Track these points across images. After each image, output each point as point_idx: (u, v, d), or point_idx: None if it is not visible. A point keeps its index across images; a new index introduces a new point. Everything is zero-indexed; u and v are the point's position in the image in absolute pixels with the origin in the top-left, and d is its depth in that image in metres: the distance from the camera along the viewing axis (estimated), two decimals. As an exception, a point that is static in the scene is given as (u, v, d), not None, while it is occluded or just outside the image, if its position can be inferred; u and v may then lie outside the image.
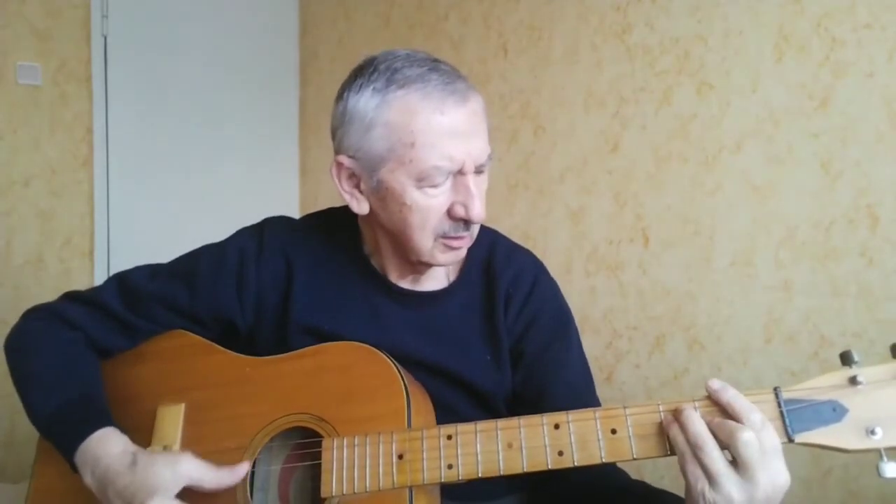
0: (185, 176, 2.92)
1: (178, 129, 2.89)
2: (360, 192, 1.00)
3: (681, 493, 0.83)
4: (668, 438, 0.78)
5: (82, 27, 2.64)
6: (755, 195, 1.83)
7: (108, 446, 0.93)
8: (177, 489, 0.89)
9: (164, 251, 1.15)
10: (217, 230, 1.15)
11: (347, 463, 0.88)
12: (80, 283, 2.58)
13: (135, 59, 2.75)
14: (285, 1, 3.24)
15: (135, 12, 2.75)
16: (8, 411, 2.39)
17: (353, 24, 3.03)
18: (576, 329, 1.14)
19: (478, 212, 0.95)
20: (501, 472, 0.83)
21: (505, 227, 2.07)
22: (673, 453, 0.79)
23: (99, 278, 2.58)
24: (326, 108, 1.02)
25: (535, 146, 2.35)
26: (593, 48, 2.19)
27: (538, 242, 2.32)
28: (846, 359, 0.76)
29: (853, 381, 0.74)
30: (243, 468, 0.93)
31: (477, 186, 0.96)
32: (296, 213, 1.20)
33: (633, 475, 1.03)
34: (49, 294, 1.13)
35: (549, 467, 0.82)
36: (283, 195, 3.23)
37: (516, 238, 1.19)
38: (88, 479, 0.93)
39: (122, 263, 1.15)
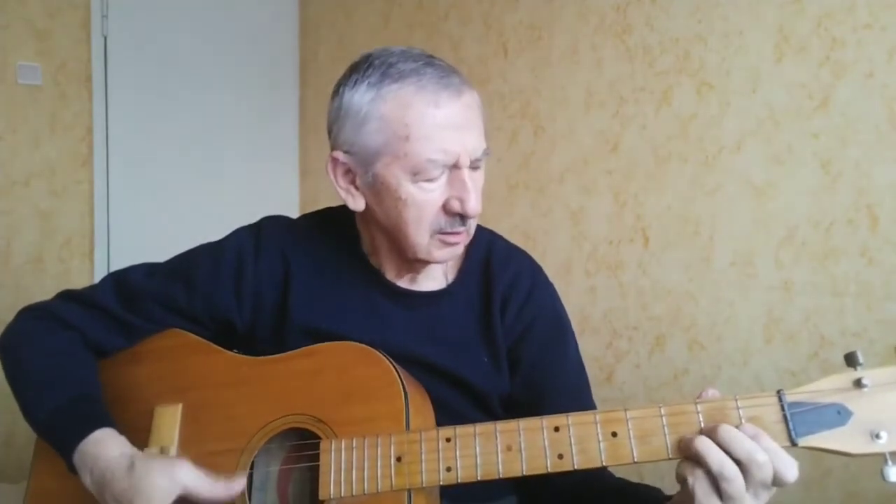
0: (185, 176, 2.92)
1: (178, 129, 2.89)
2: (356, 188, 1.00)
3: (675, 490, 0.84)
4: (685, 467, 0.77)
5: (82, 27, 2.64)
6: (755, 195, 1.82)
7: (106, 448, 0.93)
8: (172, 498, 0.88)
9: (164, 251, 1.14)
10: (217, 230, 1.14)
11: (346, 465, 0.88)
12: (80, 283, 2.57)
13: (135, 59, 2.75)
14: (285, 1, 3.23)
15: (135, 12, 2.75)
16: (8, 411, 2.39)
17: (353, 24, 3.03)
18: (572, 332, 1.14)
19: (473, 206, 0.95)
20: (500, 475, 0.82)
21: (505, 227, 2.07)
22: (675, 457, 0.78)
23: (99, 278, 2.58)
24: (326, 109, 1.02)
25: (535, 146, 2.35)
26: (593, 48, 2.19)
27: (538, 242, 2.32)
28: (851, 360, 0.74)
29: (858, 383, 0.73)
30: (239, 484, 0.91)
31: (472, 181, 0.96)
32: (296, 213, 1.20)
33: (633, 477, 1.02)
34: (49, 294, 1.12)
35: (549, 470, 0.81)
36: (283, 195, 3.23)
37: (516, 238, 1.19)
38: (87, 480, 0.93)
39: (122, 263, 1.14)
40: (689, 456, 0.76)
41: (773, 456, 0.73)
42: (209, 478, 0.90)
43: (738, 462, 0.73)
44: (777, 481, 0.74)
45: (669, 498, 0.87)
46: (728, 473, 0.73)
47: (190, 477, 0.89)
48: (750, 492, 0.73)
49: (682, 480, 0.77)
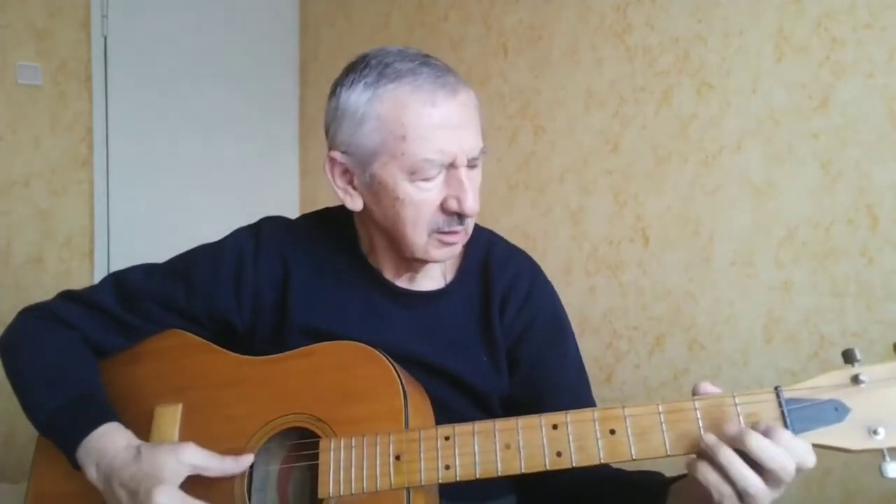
0: (185, 176, 2.92)
1: (178, 129, 2.89)
2: (354, 188, 1.00)
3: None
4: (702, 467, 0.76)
5: (82, 27, 2.64)
6: (755, 195, 1.82)
7: (113, 440, 0.94)
8: (181, 478, 0.89)
9: (164, 251, 1.15)
10: (217, 230, 1.14)
11: (345, 464, 0.88)
12: (80, 283, 2.57)
13: (135, 59, 2.75)
14: (285, 1, 3.24)
15: (135, 12, 2.75)
16: (8, 411, 2.39)
17: (353, 24, 3.03)
18: (572, 332, 1.14)
19: (470, 205, 0.95)
20: (499, 473, 0.83)
21: (505, 227, 2.07)
22: (674, 454, 0.78)
23: (99, 278, 2.58)
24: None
25: (535, 146, 2.35)
26: (593, 48, 2.19)
27: (538, 242, 2.32)
28: (848, 357, 0.75)
29: (856, 380, 0.73)
30: (248, 458, 0.93)
31: (470, 180, 0.96)
32: (296, 213, 1.20)
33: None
34: (49, 294, 1.12)
35: (548, 468, 0.81)
36: (283, 195, 3.23)
37: (516, 238, 1.19)
38: (92, 474, 0.93)
39: (122, 263, 1.15)
40: (706, 458, 0.75)
41: (793, 451, 0.72)
42: (216, 456, 0.91)
43: (767, 470, 0.72)
44: (798, 472, 0.73)
45: (671, 480, 0.87)
46: (752, 490, 0.72)
47: (197, 456, 0.90)
48: (771, 488, 0.73)
49: (700, 485, 0.75)
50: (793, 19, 1.75)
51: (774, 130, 1.79)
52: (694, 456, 0.77)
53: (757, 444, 0.72)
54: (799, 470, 0.73)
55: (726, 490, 0.73)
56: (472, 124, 0.96)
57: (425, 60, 0.95)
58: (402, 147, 0.92)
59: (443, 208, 0.96)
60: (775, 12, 1.79)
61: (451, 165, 0.94)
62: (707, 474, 0.75)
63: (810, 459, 0.73)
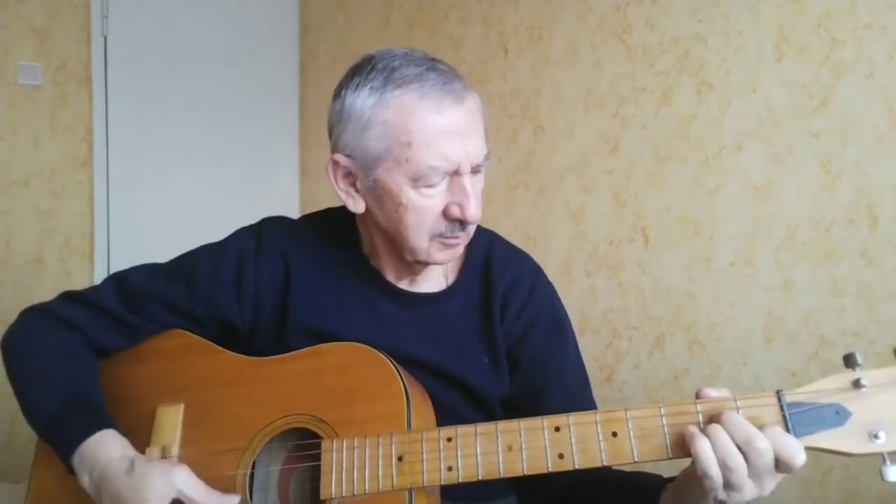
0: (185, 176, 2.92)
1: (178, 129, 2.89)
2: (356, 190, 1.00)
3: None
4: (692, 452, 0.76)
5: (82, 27, 2.63)
6: (755, 195, 1.83)
7: (107, 449, 0.93)
8: (167, 501, 0.89)
9: (164, 251, 1.15)
10: (217, 230, 1.14)
11: (347, 465, 0.88)
12: (80, 283, 2.58)
13: (135, 59, 2.75)
14: (285, 1, 3.23)
15: (135, 12, 2.74)
16: (8, 411, 2.39)
17: (353, 24, 3.03)
18: (572, 333, 1.14)
19: (473, 212, 0.95)
20: (501, 475, 0.83)
21: (505, 227, 2.07)
22: (675, 456, 0.78)
23: (99, 278, 2.57)
24: (326, 109, 1.02)
25: (535, 146, 2.35)
26: (593, 48, 2.19)
27: (538, 242, 2.32)
28: (849, 361, 0.75)
29: (857, 384, 0.74)
30: (234, 499, 0.92)
31: (473, 187, 0.96)
32: (296, 213, 1.20)
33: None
34: (49, 294, 1.12)
35: (550, 470, 0.81)
36: (283, 195, 3.23)
37: (516, 238, 1.19)
38: (86, 481, 0.93)
39: (122, 263, 1.15)
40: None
41: (776, 441, 0.73)
42: (205, 487, 0.90)
43: (737, 447, 0.73)
44: (784, 467, 0.73)
45: (668, 481, 0.88)
46: (731, 463, 0.73)
47: (186, 482, 0.90)
48: (752, 478, 0.74)
49: (694, 478, 0.76)
50: (793, 19, 1.76)
51: (774, 130, 1.79)
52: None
53: (729, 418, 0.75)
54: (786, 466, 0.73)
55: (714, 470, 0.74)
56: (477, 131, 0.96)
57: (432, 65, 0.94)
58: (407, 153, 0.92)
59: (445, 215, 0.96)
60: (775, 12, 1.79)
61: (455, 172, 0.94)
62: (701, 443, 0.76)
63: (799, 456, 0.73)
